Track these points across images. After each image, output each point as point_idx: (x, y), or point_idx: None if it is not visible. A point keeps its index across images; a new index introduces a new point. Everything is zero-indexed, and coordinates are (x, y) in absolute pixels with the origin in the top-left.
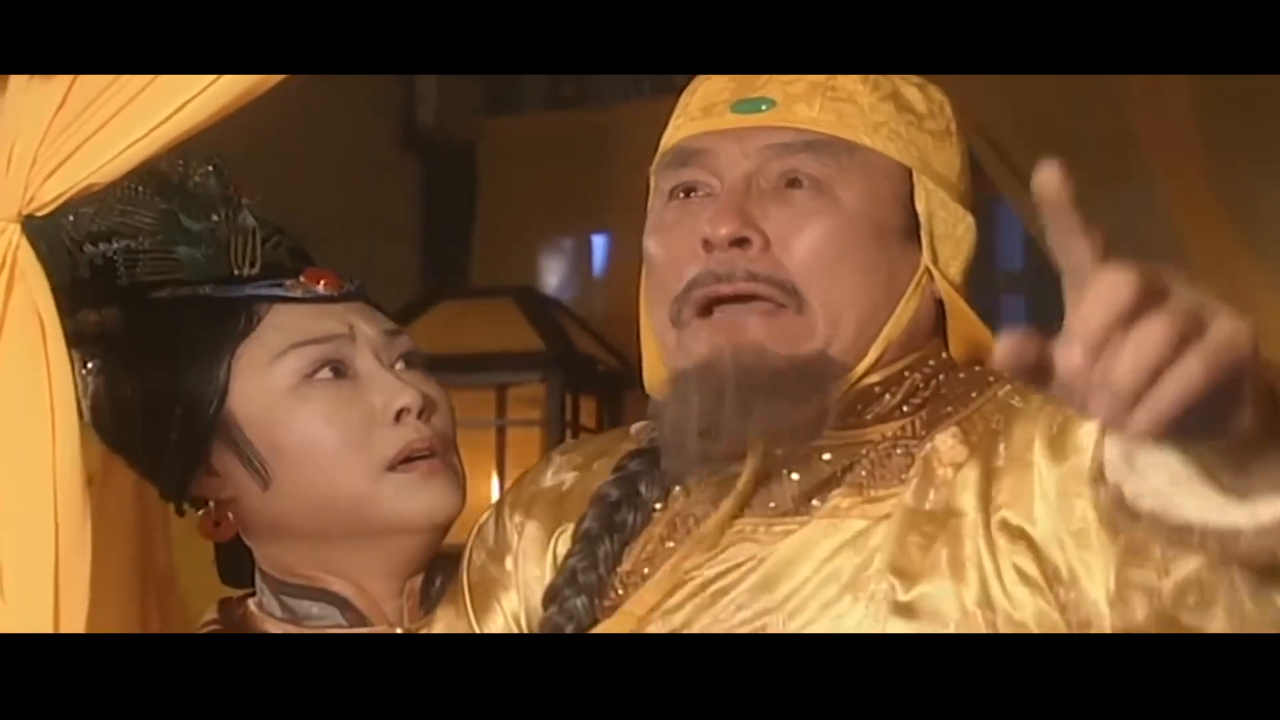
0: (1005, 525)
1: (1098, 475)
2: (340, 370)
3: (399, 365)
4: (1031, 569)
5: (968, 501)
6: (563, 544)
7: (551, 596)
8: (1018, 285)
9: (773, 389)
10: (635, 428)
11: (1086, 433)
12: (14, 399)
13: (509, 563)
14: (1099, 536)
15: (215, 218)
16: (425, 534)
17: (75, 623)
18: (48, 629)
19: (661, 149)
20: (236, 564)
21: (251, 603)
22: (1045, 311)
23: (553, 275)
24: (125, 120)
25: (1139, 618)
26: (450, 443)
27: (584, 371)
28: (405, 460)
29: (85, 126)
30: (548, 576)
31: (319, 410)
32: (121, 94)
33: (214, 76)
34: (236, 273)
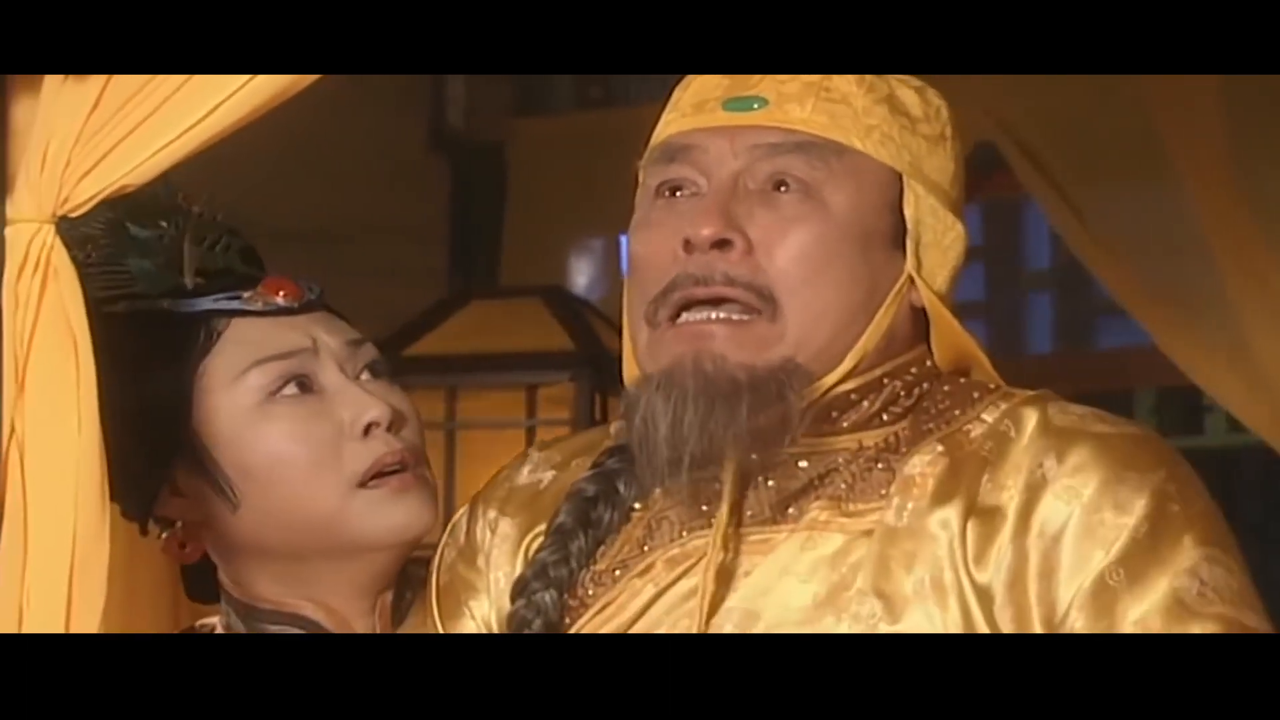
0: (970, 567)
1: None
2: (305, 385)
3: (364, 376)
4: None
5: (949, 528)
6: (536, 544)
7: (519, 589)
8: (1044, 284)
9: (732, 398)
10: (615, 426)
11: (1055, 511)
12: (46, 397)
13: (480, 561)
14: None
15: (164, 224)
16: (397, 550)
17: (89, 623)
18: (59, 629)
19: (651, 144)
20: (202, 580)
21: (220, 626)
22: (1072, 310)
23: (581, 275)
24: (159, 122)
25: None
26: (420, 454)
27: (613, 371)
28: (376, 475)
29: (119, 128)
30: (516, 574)
31: (286, 428)
32: (155, 95)
33: (246, 78)
34: (190, 282)
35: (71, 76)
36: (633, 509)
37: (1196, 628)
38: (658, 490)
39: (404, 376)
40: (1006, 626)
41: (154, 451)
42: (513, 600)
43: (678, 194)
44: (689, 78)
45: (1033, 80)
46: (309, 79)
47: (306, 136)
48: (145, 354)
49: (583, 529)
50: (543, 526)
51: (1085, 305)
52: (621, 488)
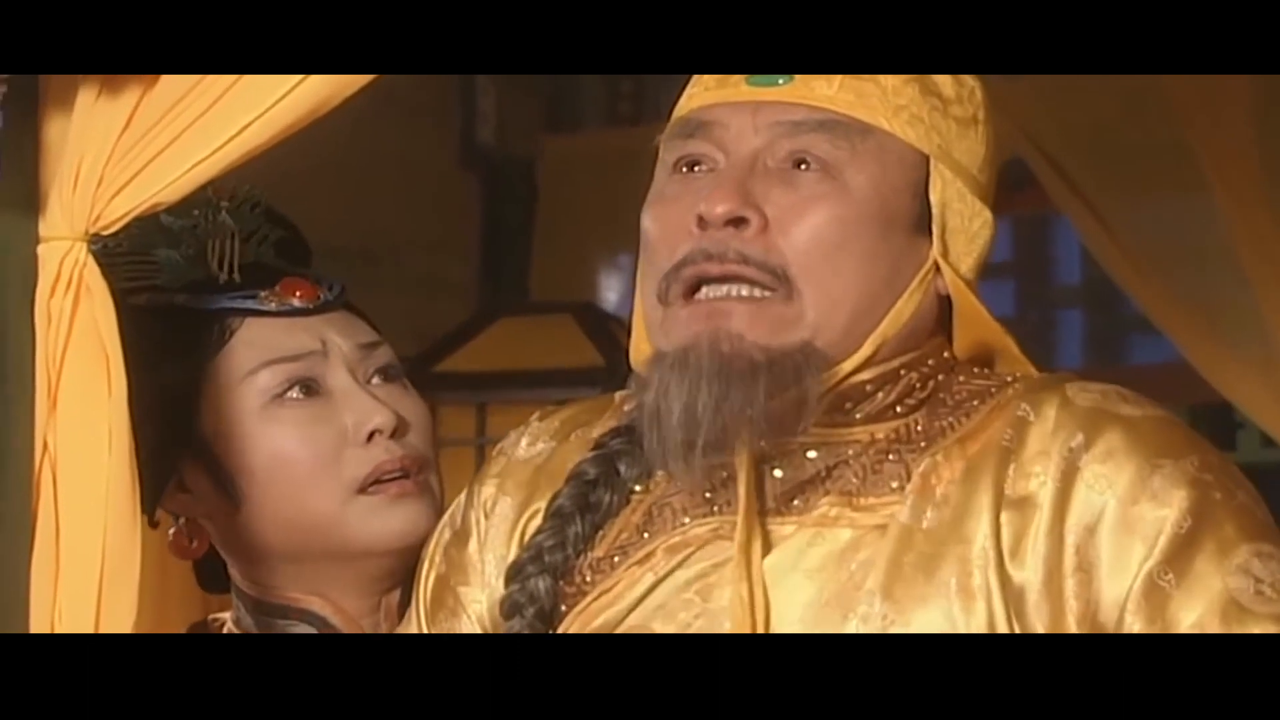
0: (1004, 564)
1: None
2: (312, 389)
3: (375, 380)
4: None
5: (981, 529)
6: (533, 524)
7: (514, 574)
8: (1075, 300)
9: (749, 379)
10: (619, 395)
11: (1089, 501)
12: (78, 414)
13: (472, 545)
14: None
15: (196, 213)
16: (397, 555)
17: (122, 623)
18: (89, 629)
19: (672, 118)
20: (214, 571)
21: (229, 621)
22: (1102, 326)
23: (612, 291)
24: (191, 139)
25: None
26: (425, 461)
27: None
28: (375, 482)
29: (151, 145)
30: (510, 557)
31: (289, 431)
32: (187, 113)
33: (278, 97)
34: (215, 274)
35: (104, 94)
36: (633, 491)
37: (1255, 628)
38: (659, 473)
39: (434, 392)
40: (1041, 624)
41: (161, 445)
42: (506, 584)
43: (695, 169)
44: None
45: (1062, 93)
46: (339, 98)
47: (338, 153)
48: (159, 348)
49: (581, 513)
50: (540, 505)
51: (1116, 321)
52: (623, 469)
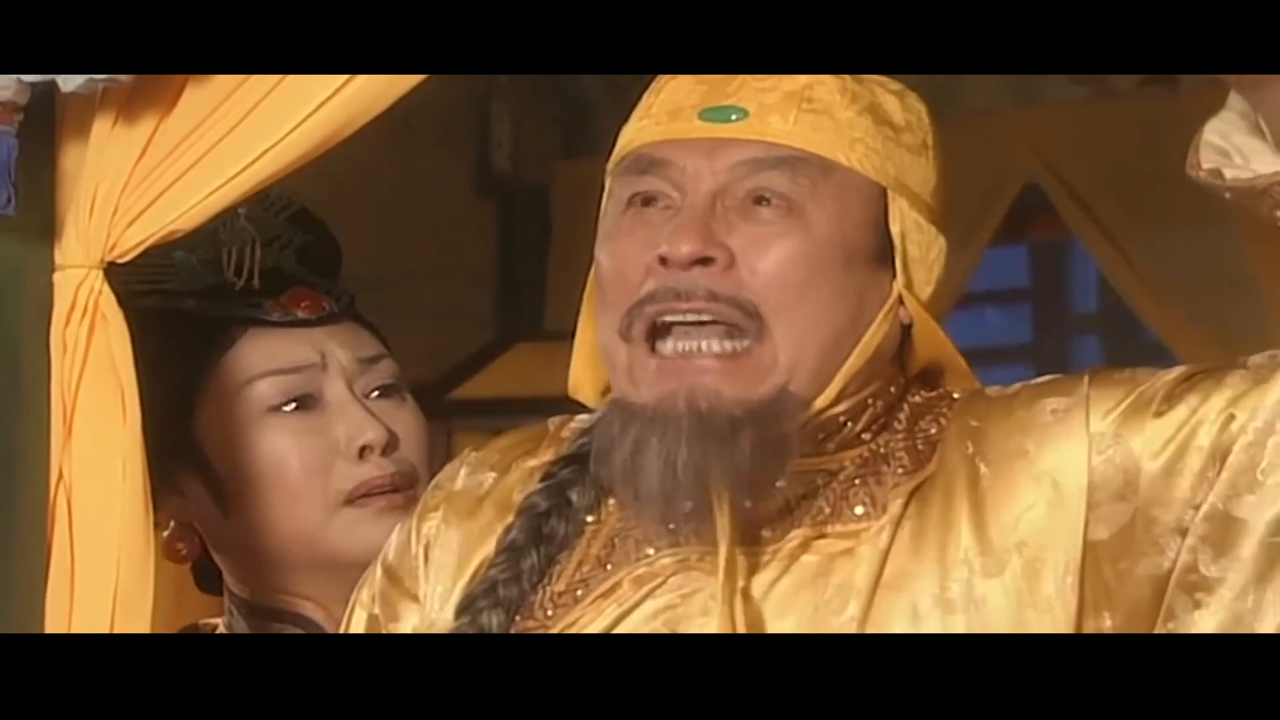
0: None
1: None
2: (307, 401)
3: (373, 394)
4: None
5: (956, 542)
6: (479, 554)
7: (465, 606)
8: (1091, 326)
9: (728, 437)
10: (553, 422)
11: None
12: (93, 442)
13: (409, 581)
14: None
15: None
16: None
17: (138, 623)
18: (105, 629)
19: (622, 148)
20: (209, 573)
21: (221, 625)
22: (1119, 352)
23: None
24: (206, 168)
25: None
26: (416, 476)
27: None
28: (363, 495)
29: (167, 173)
30: (458, 591)
31: (281, 441)
32: (202, 142)
33: (292, 126)
34: (230, 281)
35: (120, 122)
36: (585, 521)
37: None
38: (610, 502)
39: (449, 419)
40: (1053, 615)
41: (159, 448)
42: (456, 617)
43: (650, 205)
44: (660, 81)
45: (1081, 122)
46: (353, 127)
47: (354, 180)
48: (162, 351)
49: (535, 545)
50: (489, 543)
51: (1132, 348)
52: (574, 498)
